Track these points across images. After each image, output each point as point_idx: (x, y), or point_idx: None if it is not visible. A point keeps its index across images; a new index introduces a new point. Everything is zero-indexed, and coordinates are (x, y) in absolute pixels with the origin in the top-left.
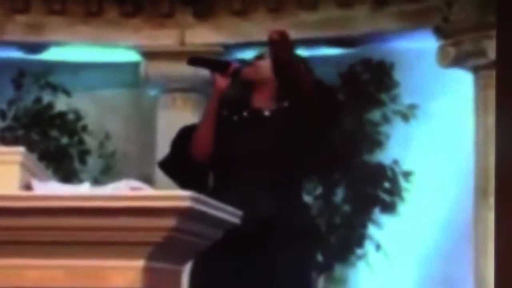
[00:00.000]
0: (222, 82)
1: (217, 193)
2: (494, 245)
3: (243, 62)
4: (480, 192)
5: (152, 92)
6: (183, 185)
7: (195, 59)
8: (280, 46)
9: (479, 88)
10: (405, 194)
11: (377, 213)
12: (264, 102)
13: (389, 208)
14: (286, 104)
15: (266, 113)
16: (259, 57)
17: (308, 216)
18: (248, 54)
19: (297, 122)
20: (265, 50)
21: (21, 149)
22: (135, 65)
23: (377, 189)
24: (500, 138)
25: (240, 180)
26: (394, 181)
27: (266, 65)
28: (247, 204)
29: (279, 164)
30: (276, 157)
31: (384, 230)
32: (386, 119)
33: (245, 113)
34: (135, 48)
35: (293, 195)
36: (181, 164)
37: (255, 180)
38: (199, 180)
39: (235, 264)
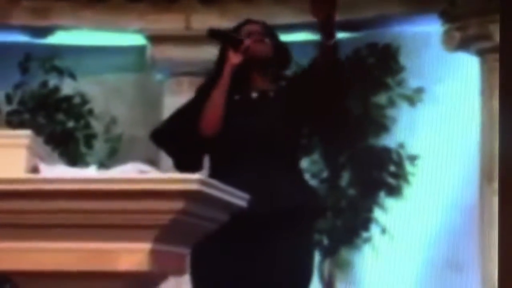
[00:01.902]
0: (235, 58)
1: (223, 175)
2: (497, 229)
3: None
4: (485, 176)
5: (158, 76)
6: (177, 158)
7: (216, 32)
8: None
9: (485, 71)
10: (410, 178)
11: (382, 197)
12: (266, 83)
13: (394, 191)
14: (284, 83)
15: (271, 94)
16: (262, 35)
17: (317, 199)
18: None
19: (303, 94)
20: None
21: (28, 132)
22: (141, 49)
23: (382, 173)
24: (504, 123)
25: (248, 163)
26: (399, 164)
27: (270, 43)
28: (260, 190)
29: (288, 146)
30: (285, 138)
31: (389, 213)
32: (392, 103)
33: (253, 94)
34: (141, 32)
35: (302, 178)
36: (184, 137)
37: (265, 164)
38: (195, 156)
39: (239, 248)
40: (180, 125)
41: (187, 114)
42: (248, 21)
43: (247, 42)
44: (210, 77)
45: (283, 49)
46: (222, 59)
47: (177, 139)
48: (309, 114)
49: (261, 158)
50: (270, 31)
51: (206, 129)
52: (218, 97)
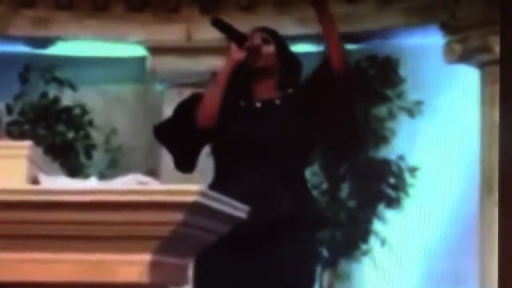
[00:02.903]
0: (239, 54)
1: (226, 183)
2: (498, 240)
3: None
4: (485, 188)
5: (159, 87)
6: (173, 151)
7: (219, 22)
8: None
9: (485, 84)
10: (410, 190)
11: (382, 209)
12: (269, 91)
13: (394, 203)
14: (290, 91)
15: (277, 102)
16: (265, 42)
17: (317, 209)
18: None
19: (313, 102)
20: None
21: (28, 143)
22: (142, 60)
23: (382, 185)
24: (504, 134)
25: (252, 171)
26: (399, 176)
27: (271, 51)
28: (262, 198)
29: (295, 154)
30: (292, 146)
31: (389, 225)
32: (392, 115)
33: (257, 104)
34: (142, 43)
35: (305, 188)
36: (179, 127)
37: (270, 172)
38: (191, 151)
39: (239, 257)
40: (179, 118)
41: (186, 107)
42: (255, 29)
43: (255, 42)
44: None
45: (289, 56)
46: None
47: (176, 131)
48: (319, 119)
49: (261, 166)
50: (275, 37)
51: (202, 121)
52: (215, 90)
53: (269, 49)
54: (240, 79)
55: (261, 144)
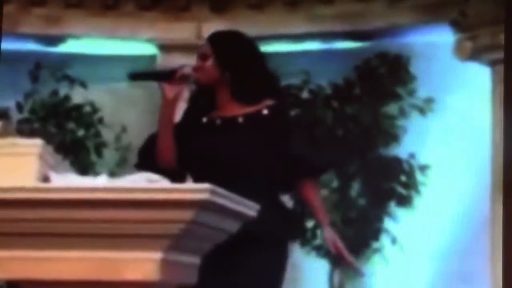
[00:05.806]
0: (171, 91)
1: None
2: (502, 239)
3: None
4: (496, 186)
5: None
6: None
7: (136, 75)
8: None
9: (496, 81)
10: (421, 188)
11: (393, 207)
12: (229, 106)
13: (405, 201)
14: (265, 112)
15: (240, 119)
16: (202, 58)
17: (282, 230)
18: (264, 48)
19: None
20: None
21: (39, 141)
22: (152, 58)
23: (393, 183)
24: (509, 133)
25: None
26: (410, 174)
27: (209, 65)
28: None
29: (260, 171)
30: (254, 164)
31: (400, 223)
32: (402, 113)
33: (218, 121)
34: (152, 41)
35: (273, 203)
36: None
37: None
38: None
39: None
40: (145, 161)
41: (146, 151)
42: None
43: (186, 69)
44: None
45: (240, 62)
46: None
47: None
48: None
49: (224, 184)
50: (218, 46)
51: (162, 164)
52: (162, 135)
53: (207, 63)
54: (205, 95)
55: (219, 162)
